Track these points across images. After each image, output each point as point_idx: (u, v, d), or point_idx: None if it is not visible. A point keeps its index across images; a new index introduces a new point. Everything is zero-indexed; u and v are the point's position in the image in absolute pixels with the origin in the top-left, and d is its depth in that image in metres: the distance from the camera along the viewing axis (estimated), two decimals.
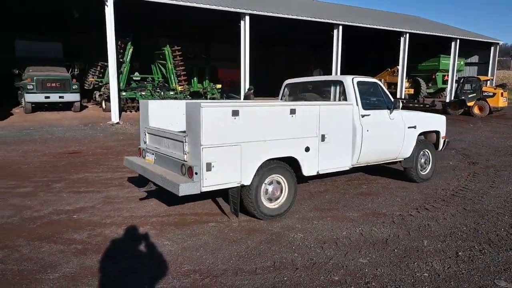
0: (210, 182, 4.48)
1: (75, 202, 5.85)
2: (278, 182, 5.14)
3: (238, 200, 4.80)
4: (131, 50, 19.46)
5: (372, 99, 6.24)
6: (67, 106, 17.84)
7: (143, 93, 19.07)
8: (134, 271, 3.74)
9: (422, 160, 7.00)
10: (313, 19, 21.73)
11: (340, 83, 6.13)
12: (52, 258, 4.02)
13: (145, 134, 5.85)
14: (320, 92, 6.73)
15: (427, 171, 7.14)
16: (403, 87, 26.22)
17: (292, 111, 5.08)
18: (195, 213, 5.39)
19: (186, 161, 4.61)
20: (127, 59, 19.37)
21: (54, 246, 4.29)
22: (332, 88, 6.42)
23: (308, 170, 5.39)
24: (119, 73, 17.54)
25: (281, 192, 5.18)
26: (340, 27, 22.56)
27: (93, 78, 20.87)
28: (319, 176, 7.02)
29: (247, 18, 19.42)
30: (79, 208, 5.56)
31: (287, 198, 5.21)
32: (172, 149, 5.00)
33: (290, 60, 34.97)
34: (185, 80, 21.66)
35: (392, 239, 4.55)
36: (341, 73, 22.91)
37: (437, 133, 7.29)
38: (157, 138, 5.48)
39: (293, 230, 4.81)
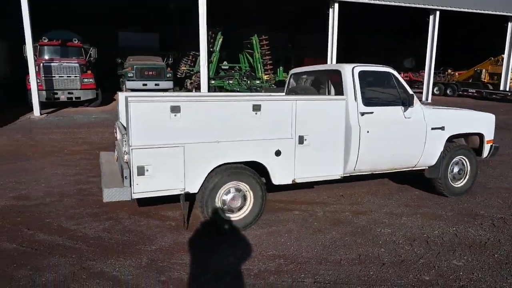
0: (142, 188, 3.87)
1: None
2: (239, 190, 4.37)
3: (185, 210, 4.46)
4: (221, 40, 20.16)
5: (380, 94, 5.30)
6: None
7: (231, 81, 19.70)
8: (221, 251, 3.93)
9: (455, 170, 5.64)
10: (406, 5, 20.46)
11: (338, 73, 5.07)
12: (150, 232, 4.38)
13: (116, 129, 5.38)
14: (319, 83, 5.82)
15: (462, 183, 5.72)
16: (508, 78, 23.65)
17: (256, 107, 4.20)
18: (280, 200, 5.47)
19: (126, 163, 3.96)
20: (217, 49, 20.11)
21: (151, 221, 4.67)
22: (330, 79, 5.55)
23: (280, 178, 4.48)
24: (209, 62, 18.29)
25: (245, 201, 4.43)
26: (437, 13, 20.97)
27: (185, 67, 22.05)
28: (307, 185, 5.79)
29: (336, 5, 18.93)
30: None
31: (252, 209, 4.44)
32: (123, 148, 4.29)
33: (379, 48, 33.45)
34: (271, 69, 21.89)
35: (492, 243, 4.19)
36: (437, 64, 21.36)
37: (481, 136, 5.84)
38: (120, 135, 4.85)
39: (380, 224, 4.66)
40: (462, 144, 5.86)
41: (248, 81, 20.27)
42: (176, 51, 23.11)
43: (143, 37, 21.66)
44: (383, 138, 5.01)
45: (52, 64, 14.68)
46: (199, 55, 18.02)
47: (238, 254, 3.88)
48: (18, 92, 16.28)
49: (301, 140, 4.49)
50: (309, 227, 4.55)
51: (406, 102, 5.09)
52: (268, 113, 4.26)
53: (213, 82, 19.39)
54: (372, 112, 4.95)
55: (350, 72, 4.92)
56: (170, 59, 20.14)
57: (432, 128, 5.29)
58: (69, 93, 14.87)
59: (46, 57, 15.08)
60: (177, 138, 3.92)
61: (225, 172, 4.20)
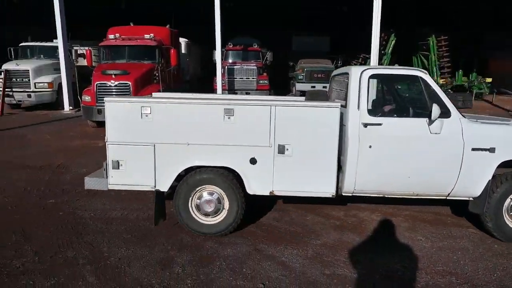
0: (117, 180, 4.19)
1: None
2: (212, 194, 4.22)
3: (155, 206, 4.34)
4: (393, 42, 19.37)
5: (399, 102, 4.50)
6: None
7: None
8: (387, 256, 3.88)
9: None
10: None
11: (346, 76, 4.40)
12: (315, 227, 4.61)
13: None
14: (341, 86, 4.90)
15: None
16: None
17: (228, 112, 4.03)
18: (450, 214, 5.06)
19: None
20: (389, 51, 19.40)
21: (316, 218, 4.90)
22: (342, 84, 4.71)
23: (255, 187, 4.19)
24: (380, 64, 17.79)
25: (220, 207, 4.23)
26: None
27: None
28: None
29: None
30: None
31: (228, 215, 4.22)
32: None
33: None
34: (449, 73, 19.99)
35: None
36: None
37: None
38: None
39: None
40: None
41: None
42: (345, 54, 23.18)
43: (314, 40, 22.43)
44: (393, 155, 4.16)
45: (234, 67, 16.50)
46: (368, 58, 17.69)
47: (405, 263, 3.78)
48: (206, 91, 18.84)
49: (281, 149, 4.10)
50: (488, 249, 4.10)
51: (438, 113, 3.96)
52: (242, 118, 4.05)
53: None
54: (380, 124, 4.16)
55: (357, 76, 4.22)
56: (339, 62, 20.29)
57: (474, 149, 4.08)
58: (246, 93, 16.47)
59: (230, 60, 17.02)
60: (148, 137, 4.10)
61: (200, 175, 4.16)
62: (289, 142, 4.09)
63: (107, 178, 4.24)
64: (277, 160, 4.12)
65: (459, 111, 4.16)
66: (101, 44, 12.85)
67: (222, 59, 15.97)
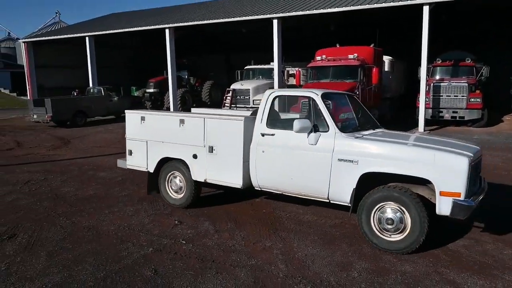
0: (130, 162, 6.45)
1: None
2: (175, 177, 6.01)
3: (148, 182, 6.38)
4: None
5: (295, 117, 5.49)
6: None
7: None
8: None
9: (384, 218, 4.39)
10: None
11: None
12: (511, 263, 4.18)
13: None
14: None
15: (399, 237, 4.31)
16: None
17: (182, 121, 5.73)
18: None
19: None
20: None
21: None
22: None
23: (196, 175, 5.70)
24: None
25: (181, 185, 5.97)
26: None
27: None
28: None
29: None
30: None
31: (185, 193, 5.90)
32: None
33: None
34: None
35: None
36: None
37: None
38: None
39: None
40: (397, 187, 4.38)
41: None
42: None
43: None
44: (278, 160, 5.14)
45: (441, 84, 15.47)
46: None
47: None
48: (406, 109, 18.20)
49: (211, 149, 5.50)
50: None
51: (318, 129, 4.86)
52: (189, 126, 5.69)
53: None
54: (273, 134, 5.22)
55: (266, 96, 5.41)
56: None
57: (340, 160, 4.67)
58: (453, 112, 15.21)
59: (437, 77, 16.02)
60: (143, 136, 6.18)
61: (170, 163, 6.01)
62: (216, 144, 5.47)
63: (126, 161, 6.51)
64: (208, 157, 5.55)
65: (338, 128, 4.80)
66: (309, 66, 14.19)
67: (428, 76, 15.25)
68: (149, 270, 3.98)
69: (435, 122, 15.93)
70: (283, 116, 6.22)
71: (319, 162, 4.81)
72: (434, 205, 4.27)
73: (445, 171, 4.14)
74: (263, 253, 4.41)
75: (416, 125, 15.04)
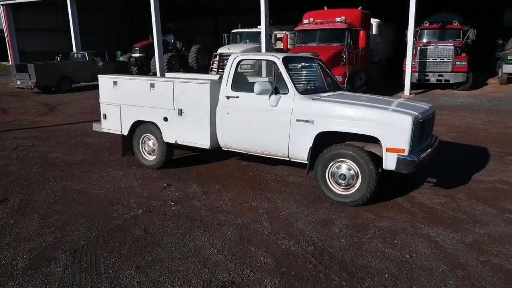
0: (105, 126, 6.65)
1: None
2: (150, 140, 6.24)
3: (123, 144, 6.57)
4: None
5: (261, 80, 5.58)
6: None
7: None
8: None
9: (338, 173, 4.77)
10: None
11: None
12: (483, 217, 4.45)
13: None
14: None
15: (351, 191, 4.71)
16: None
17: (152, 85, 5.89)
18: None
19: None
20: None
21: (487, 209, 4.68)
22: None
23: (167, 137, 5.93)
24: None
25: (154, 148, 6.23)
26: None
27: None
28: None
29: None
30: None
31: (158, 154, 6.16)
32: None
33: None
34: None
35: None
36: None
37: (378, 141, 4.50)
38: None
39: None
40: (347, 144, 4.77)
41: None
42: None
43: None
44: (242, 121, 5.41)
45: (428, 47, 15.50)
46: None
47: None
48: (394, 72, 18.27)
49: (180, 112, 5.70)
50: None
51: (279, 91, 5.11)
52: (159, 90, 5.84)
53: None
54: (237, 97, 5.44)
55: (231, 60, 5.62)
56: None
57: (298, 120, 4.97)
58: (439, 75, 15.34)
59: (424, 40, 16.01)
60: (117, 100, 6.33)
61: (142, 126, 6.22)
62: (185, 107, 5.65)
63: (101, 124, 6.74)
64: (178, 119, 5.74)
65: (297, 91, 5.03)
66: (296, 29, 14.04)
67: (415, 39, 15.24)
68: (139, 230, 4.15)
69: (421, 86, 16.09)
70: (251, 79, 6.35)
71: (279, 122, 5.10)
72: None
73: (391, 129, 4.45)
74: (249, 213, 4.60)
75: (402, 88, 15.18)
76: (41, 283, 3.18)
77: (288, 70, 5.21)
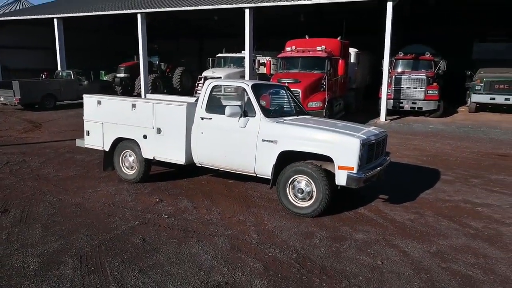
0: (88, 142, 7.09)
1: (485, 198, 6.41)
2: (131, 156, 6.67)
3: (104, 159, 7.08)
4: None
5: (231, 104, 6.07)
6: None
7: None
8: (504, 266, 4.09)
9: (297, 188, 5.40)
10: None
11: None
12: (447, 231, 5.00)
13: None
14: None
15: (307, 203, 5.33)
16: None
17: (133, 106, 6.43)
18: None
19: None
20: None
21: (451, 224, 5.24)
22: None
23: (146, 153, 6.41)
24: None
25: (133, 164, 6.68)
26: None
27: None
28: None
29: None
30: (486, 204, 6.10)
31: (137, 169, 6.61)
32: None
33: None
34: None
35: None
36: None
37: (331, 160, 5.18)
38: None
39: None
40: (305, 163, 5.39)
41: None
42: None
43: (503, 47, 20.15)
44: (214, 140, 5.99)
45: (402, 76, 16.48)
46: None
47: None
48: (371, 99, 19.17)
49: (159, 130, 6.21)
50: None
51: (248, 114, 5.71)
52: (140, 110, 6.38)
53: None
54: (210, 118, 6.03)
55: (206, 84, 6.27)
56: None
57: (263, 140, 5.56)
58: (412, 103, 16.26)
59: (399, 69, 17.01)
60: (100, 118, 6.78)
61: (123, 142, 6.65)
62: (163, 126, 6.18)
63: (84, 140, 7.17)
64: (157, 137, 6.26)
65: (264, 114, 5.67)
66: (279, 56, 14.78)
67: (391, 68, 16.19)
68: (138, 239, 4.51)
69: (396, 112, 16.97)
70: (225, 103, 6.92)
71: (247, 142, 5.70)
72: None
73: (341, 150, 5.11)
74: (237, 225, 5.02)
75: (378, 114, 16.00)
76: (54, 282, 3.51)
77: (256, 96, 5.86)
